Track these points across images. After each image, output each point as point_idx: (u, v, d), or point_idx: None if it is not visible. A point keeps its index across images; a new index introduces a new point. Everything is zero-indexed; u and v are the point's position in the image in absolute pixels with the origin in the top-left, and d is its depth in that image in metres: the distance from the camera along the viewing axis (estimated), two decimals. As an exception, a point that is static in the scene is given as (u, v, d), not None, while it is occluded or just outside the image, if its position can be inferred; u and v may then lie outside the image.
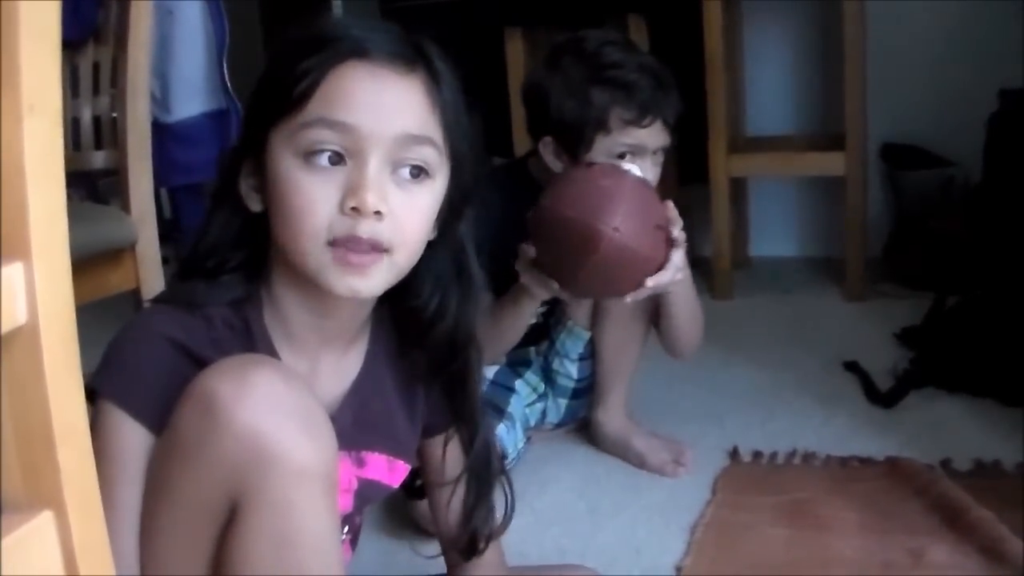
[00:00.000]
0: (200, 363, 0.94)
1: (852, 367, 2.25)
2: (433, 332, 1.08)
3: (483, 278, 1.11)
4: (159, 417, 0.92)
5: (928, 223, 2.81)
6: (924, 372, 2.15)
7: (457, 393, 1.15)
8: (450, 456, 1.18)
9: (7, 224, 0.58)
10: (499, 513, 1.21)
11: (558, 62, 1.79)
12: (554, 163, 1.79)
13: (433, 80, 0.99)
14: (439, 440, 1.18)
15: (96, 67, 2.09)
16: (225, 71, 2.77)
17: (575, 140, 1.75)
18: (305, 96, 0.95)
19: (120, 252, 1.79)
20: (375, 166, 0.94)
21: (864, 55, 2.70)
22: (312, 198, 0.94)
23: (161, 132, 2.55)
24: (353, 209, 0.93)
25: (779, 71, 3.20)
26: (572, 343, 1.96)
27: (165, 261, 1.90)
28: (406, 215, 0.97)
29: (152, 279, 1.81)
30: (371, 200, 0.93)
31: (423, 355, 1.11)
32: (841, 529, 1.60)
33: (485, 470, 1.17)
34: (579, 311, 1.93)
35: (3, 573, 0.58)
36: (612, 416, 1.95)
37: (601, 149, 1.74)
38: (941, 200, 2.86)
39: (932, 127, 2.99)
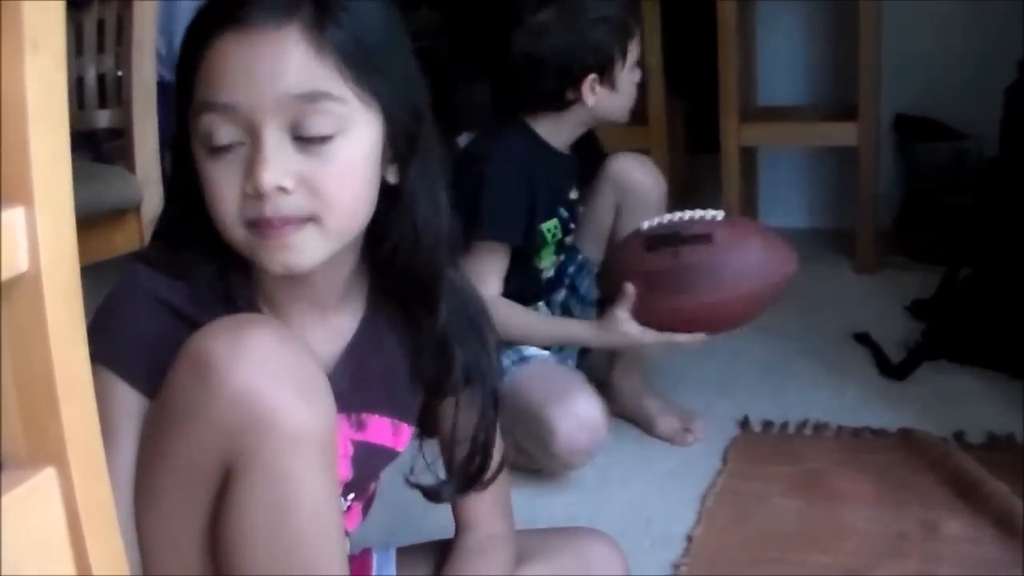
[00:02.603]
0: (190, 323, 0.90)
1: (863, 339, 2.23)
2: (389, 279, 1.04)
3: (443, 227, 1.02)
4: (150, 379, 0.89)
5: (941, 196, 2.78)
6: (936, 344, 2.13)
7: (441, 351, 1.07)
8: (459, 419, 1.12)
9: (8, 166, 0.55)
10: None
11: (543, 20, 1.79)
12: (590, 98, 1.81)
13: (319, 23, 0.89)
14: (447, 401, 1.12)
15: (101, 24, 2.05)
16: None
17: (615, 58, 1.81)
18: (192, 81, 0.91)
19: (125, 212, 1.77)
20: (271, 138, 0.88)
21: (879, 24, 2.66)
22: (218, 187, 0.91)
23: (167, 91, 2.52)
24: (255, 190, 0.89)
25: (792, 40, 3.16)
26: (588, 284, 1.98)
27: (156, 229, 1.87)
28: (323, 178, 0.90)
29: (157, 240, 1.79)
30: (267, 178, 0.88)
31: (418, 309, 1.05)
32: (853, 500, 1.58)
33: (483, 429, 1.10)
34: (593, 247, 1.98)
35: (4, 531, 0.56)
36: (628, 377, 1.94)
37: (630, 62, 1.84)
38: (954, 173, 2.83)
39: (946, 99, 2.95)
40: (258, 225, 0.90)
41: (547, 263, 1.93)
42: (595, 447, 1.65)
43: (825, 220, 3.20)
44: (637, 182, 1.95)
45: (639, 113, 2.85)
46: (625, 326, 1.70)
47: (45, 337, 0.58)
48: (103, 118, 2.03)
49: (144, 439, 0.90)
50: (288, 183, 0.89)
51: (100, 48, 2.07)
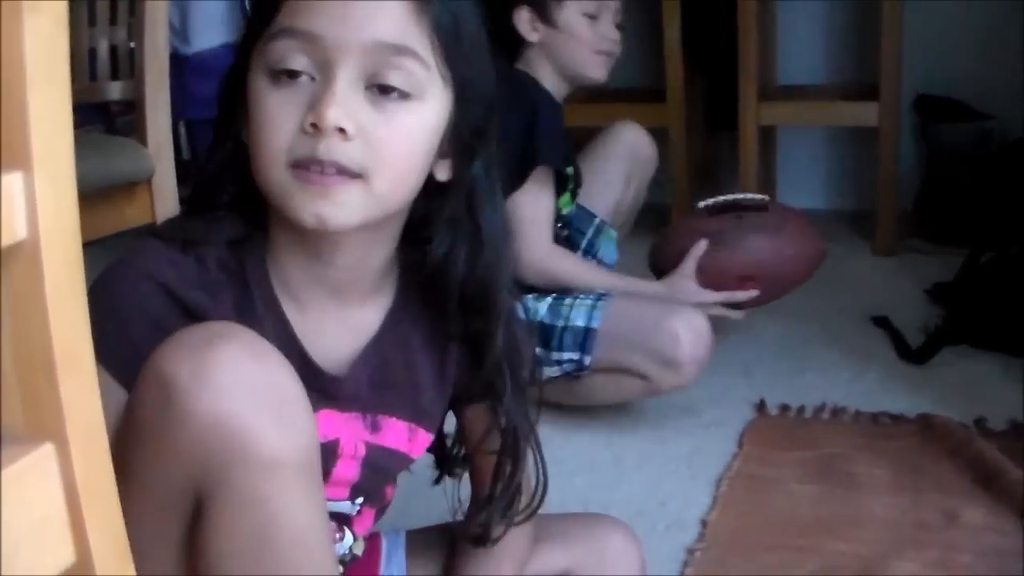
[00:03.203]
0: (187, 310, 0.87)
1: (882, 323, 2.21)
2: (442, 283, 0.97)
3: (502, 233, 0.98)
4: (131, 369, 0.82)
5: (963, 178, 2.74)
6: (957, 329, 2.10)
7: (480, 357, 1.02)
8: (476, 422, 1.07)
9: (6, 130, 0.53)
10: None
11: None
12: (530, 34, 1.89)
13: None
14: (467, 403, 1.08)
15: (114, -5, 2.04)
16: (246, 1, 2.70)
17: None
18: (276, 7, 0.86)
19: (136, 185, 1.75)
20: (344, 79, 0.84)
21: (901, 2, 2.62)
22: (273, 116, 0.85)
23: (179, 64, 2.50)
24: (313, 126, 0.83)
25: (812, 18, 3.12)
26: (607, 247, 2.04)
27: (183, 200, 1.85)
28: (383, 136, 0.86)
29: (169, 213, 1.77)
30: (331, 115, 0.83)
31: (450, 311, 0.99)
32: (872, 487, 1.56)
33: (511, 445, 1.05)
34: (606, 214, 2.08)
35: (3, 508, 0.54)
36: None
37: (573, 7, 1.87)
38: (977, 154, 2.79)
39: (969, 79, 2.91)
40: (305, 167, 0.85)
41: (565, 210, 1.96)
42: (708, 357, 1.75)
43: (844, 201, 3.17)
44: (648, 154, 2.12)
45: (657, 90, 2.82)
46: (691, 285, 1.86)
47: (44, 308, 0.55)
48: (115, 90, 2.01)
49: (113, 451, 0.85)
50: (350, 127, 0.84)
51: (113, 20, 2.06)
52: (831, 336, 2.17)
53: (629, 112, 2.70)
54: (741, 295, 1.88)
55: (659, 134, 2.82)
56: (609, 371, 1.79)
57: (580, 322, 1.80)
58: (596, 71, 1.93)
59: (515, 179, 1.76)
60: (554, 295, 1.83)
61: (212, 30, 2.74)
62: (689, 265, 1.86)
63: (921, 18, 2.80)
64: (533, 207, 1.80)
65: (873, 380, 1.95)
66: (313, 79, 0.85)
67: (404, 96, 0.87)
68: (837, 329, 2.21)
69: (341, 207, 0.86)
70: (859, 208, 3.02)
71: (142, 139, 1.78)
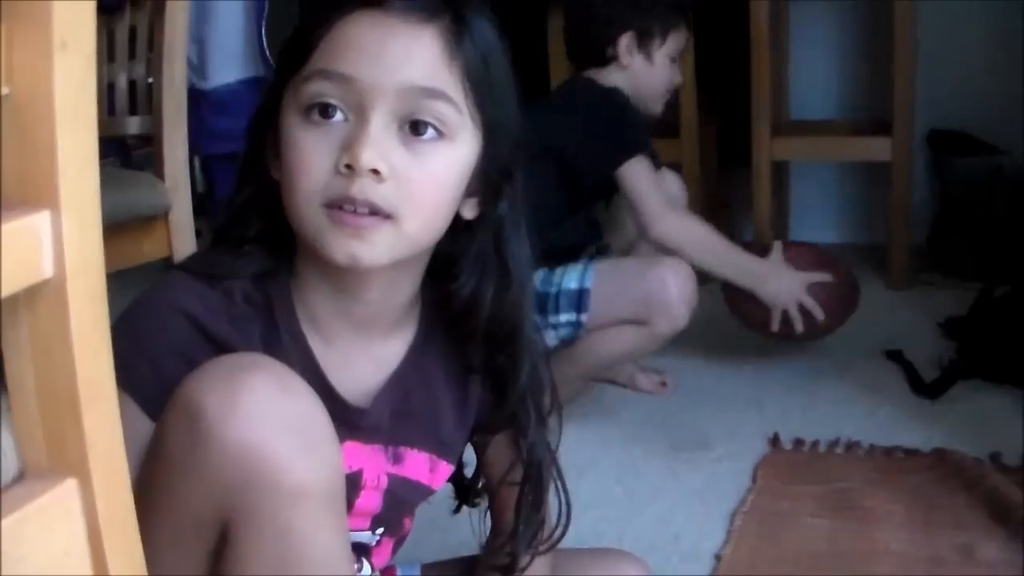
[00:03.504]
0: (215, 342, 0.88)
1: (895, 356, 2.20)
2: (469, 320, 0.98)
3: (528, 269, 1.00)
4: (156, 399, 0.84)
5: (976, 211, 2.74)
6: (970, 363, 2.10)
7: (503, 391, 1.03)
8: (499, 454, 1.08)
9: (35, 169, 0.54)
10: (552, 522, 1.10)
11: None
12: (625, 57, 2.04)
13: (456, 34, 0.89)
14: (489, 435, 1.09)
15: (133, 31, 2.07)
16: (264, 38, 2.72)
17: (655, 28, 2.03)
18: (311, 48, 0.88)
19: (153, 219, 1.76)
20: (378, 121, 0.86)
21: (914, 38, 2.63)
22: (308, 155, 0.87)
23: (197, 99, 2.52)
24: (347, 167, 0.85)
25: (824, 54, 3.14)
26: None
27: (198, 234, 1.87)
28: (414, 178, 0.87)
29: (185, 247, 1.78)
30: (366, 157, 0.84)
31: (469, 342, 1.01)
32: (886, 521, 1.55)
33: (535, 478, 1.05)
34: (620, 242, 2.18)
35: (25, 542, 0.55)
36: None
37: (668, 48, 2.06)
38: (989, 188, 2.79)
39: (982, 113, 2.92)
40: (338, 207, 0.86)
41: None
42: (695, 299, 1.88)
43: (857, 235, 3.17)
44: (675, 190, 2.16)
45: (671, 126, 2.83)
46: (786, 268, 2.02)
47: (69, 345, 0.56)
48: (133, 124, 2.03)
49: (137, 483, 0.85)
50: (384, 168, 0.86)
51: (132, 55, 2.09)
52: (844, 370, 2.17)
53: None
54: (818, 276, 2.02)
55: (673, 169, 2.85)
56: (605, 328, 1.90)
57: (573, 285, 1.91)
58: (659, 107, 2.11)
59: (616, 162, 1.94)
60: (545, 268, 1.91)
61: (230, 66, 2.76)
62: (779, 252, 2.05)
63: (933, 53, 2.81)
64: (647, 182, 1.94)
65: (887, 414, 1.95)
66: (347, 119, 0.87)
67: (436, 138, 0.89)
68: (850, 363, 2.20)
69: (373, 246, 0.87)
70: (872, 242, 3.03)
71: (159, 173, 1.79)
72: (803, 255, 2.09)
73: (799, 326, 2.01)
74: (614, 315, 1.88)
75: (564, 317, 1.90)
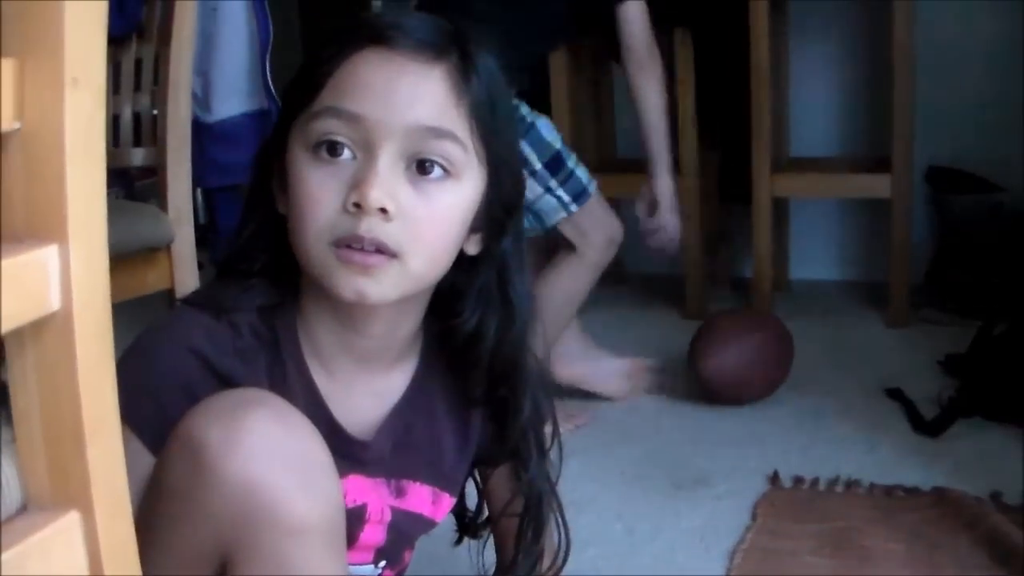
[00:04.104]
0: (220, 377, 0.89)
1: (895, 394, 2.20)
2: (472, 354, 1.00)
3: (530, 304, 1.01)
4: (159, 435, 0.85)
5: (975, 249, 2.75)
6: (971, 401, 2.09)
7: (504, 424, 1.05)
8: (499, 486, 1.10)
9: (44, 203, 0.55)
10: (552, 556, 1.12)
11: None
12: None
13: (463, 73, 0.90)
14: (490, 466, 1.11)
15: (139, 63, 2.08)
16: (268, 71, 2.74)
17: None
18: (319, 86, 0.89)
19: (156, 251, 1.77)
20: (385, 160, 0.87)
21: (913, 76, 2.65)
22: (316, 193, 0.88)
23: (201, 131, 2.54)
24: (356, 205, 0.86)
25: (824, 91, 3.16)
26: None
27: (200, 266, 1.88)
28: (421, 217, 0.88)
29: (187, 280, 1.79)
30: (374, 196, 0.85)
31: (472, 376, 1.02)
32: (886, 560, 1.55)
33: (535, 511, 1.07)
34: None
35: (27, 574, 0.55)
36: (573, 341, 2.20)
37: None
38: (988, 226, 2.80)
39: (981, 151, 2.93)
40: (346, 245, 0.87)
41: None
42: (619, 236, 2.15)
43: (857, 272, 3.18)
44: None
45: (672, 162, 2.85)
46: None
47: (74, 378, 0.57)
48: (138, 156, 2.04)
49: (138, 516, 0.85)
50: (391, 207, 0.86)
51: (137, 86, 2.10)
52: (844, 408, 2.16)
53: (643, 183, 2.72)
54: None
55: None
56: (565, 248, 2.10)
57: (584, 178, 2.09)
58: None
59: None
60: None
61: (233, 99, 2.78)
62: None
63: (932, 91, 2.83)
64: (641, 28, 2.12)
65: (887, 452, 1.94)
66: (355, 157, 0.88)
67: (442, 177, 0.90)
68: (850, 401, 2.20)
69: (380, 284, 0.88)
70: (872, 279, 3.03)
71: (163, 205, 1.80)
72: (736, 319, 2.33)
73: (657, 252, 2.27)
74: (580, 232, 2.09)
75: (562, 193, 2.06)
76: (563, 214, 2.07)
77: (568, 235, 2.09)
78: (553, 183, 2.05)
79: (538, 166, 2.02)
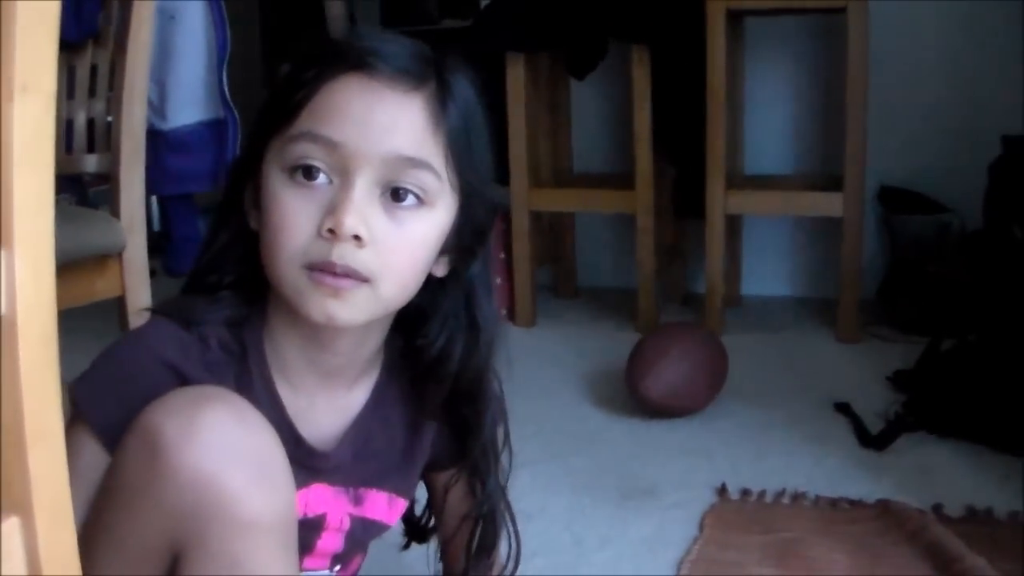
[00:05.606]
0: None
1: (843, 409, 2.23)
2: (437, 373, 1.01)
3: (495, 326, 1.04)
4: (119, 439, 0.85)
5: (925, 267, 2.80)
6: (916, 416, 2.13)
7: (465, 439, 1.08)
8: (453, 496, 1.13)
9: (-10, 210, 0.55)
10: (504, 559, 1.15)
11: None
12: None
13: (441, 102, 0.92)
14: (444, 476, 1.13)
15: (94, 70, 2.06)
16: (224, 81, 2.73)
17: None
18: (297, 108, 0.90)
19: (107, 258, 1.75)
20: (361, 187, 0.88)
21: (866, 97, 2.69)
22: (291, 216, 0.89)
23: (156, 139, 2.52)
24: (330, 231, 0.87)
25: (779, 110, 3.19)
26: None
27: (152, 273, 1.87)
28: (393, 244, 0.90)
29: (138, 287, 1.78)
30: (349, 223, 0.86)
31: (435, 393, 1.04)
32: (830, 571, 1.57)
33: (490, 522, 1.11)
34: None
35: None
36: None
37: None
38: (937, 245, 2.85)
39: (929, 171, 2.99)
40: (319, 269, 0.88)
41: None
42: None
43: (808, 289, 3.22)
44: None
45: (626, 176, 2.87)
46: None
47: (18, 383, 0.57)
48: (91, 163, 2.02)
49: (92, 510, 0.85)
50: (365, 234, 0.88)
51: (92, 93, 2.08)
52: (793, 421, 2.19)
53: (598, 198, 2.76)
54: None
55: (627, 220, 2.88)
56: None
57: None
58: None
59: None
60: None
61: (189, 107, 2.77)
62: None
63: (884, 112, 2.88)
64: None
65: (833, 466, 1.97)
66: (331, 182, 0.89)
67: (416, 205, 0.91)
68: (799, 414, 2.23)
69: (350, 307, 0.90)
70: (823, 296, 3.07)
71: (115, 212, 1.79)
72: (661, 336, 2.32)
73: None
74: None
75: None
76: None
77: None
78: None
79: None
